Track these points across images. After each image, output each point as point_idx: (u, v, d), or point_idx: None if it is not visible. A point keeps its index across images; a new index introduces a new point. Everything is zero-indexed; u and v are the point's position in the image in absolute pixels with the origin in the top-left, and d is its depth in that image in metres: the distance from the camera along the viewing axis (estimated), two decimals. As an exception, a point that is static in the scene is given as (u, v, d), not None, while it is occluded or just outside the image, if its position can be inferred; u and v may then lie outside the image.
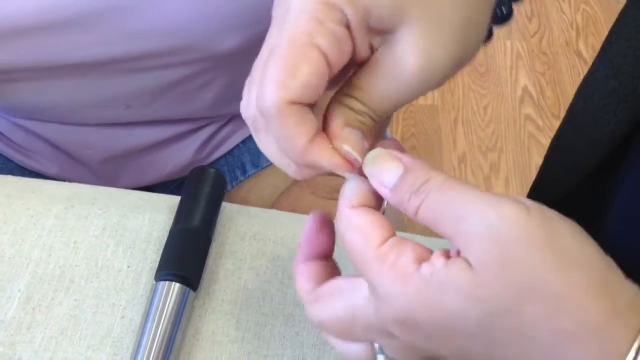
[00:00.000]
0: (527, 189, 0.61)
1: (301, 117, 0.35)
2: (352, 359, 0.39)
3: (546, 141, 1.76)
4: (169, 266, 0.55)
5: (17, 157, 0.82)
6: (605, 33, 0.51)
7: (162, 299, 0.53)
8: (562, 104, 1.83)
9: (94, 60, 0.65)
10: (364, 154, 0.36)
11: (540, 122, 1.80)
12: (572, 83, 1.87)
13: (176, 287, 0.54)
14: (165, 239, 0.57)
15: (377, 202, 0.37)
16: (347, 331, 0.37)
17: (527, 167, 1.72)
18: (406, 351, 0.36)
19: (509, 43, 1.95)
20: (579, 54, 1.94)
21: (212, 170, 0.60)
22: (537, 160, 1.73)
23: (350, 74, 0.38)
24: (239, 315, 0.55)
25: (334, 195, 0.77)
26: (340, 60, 0.35)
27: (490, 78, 1.89)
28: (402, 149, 0.37)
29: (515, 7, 0.43)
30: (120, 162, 0.82)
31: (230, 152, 0.84)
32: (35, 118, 0.78)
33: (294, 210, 0.70)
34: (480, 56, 1.90)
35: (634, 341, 0.31)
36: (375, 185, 0.36)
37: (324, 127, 0.37)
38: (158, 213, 0.60)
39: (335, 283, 0.38)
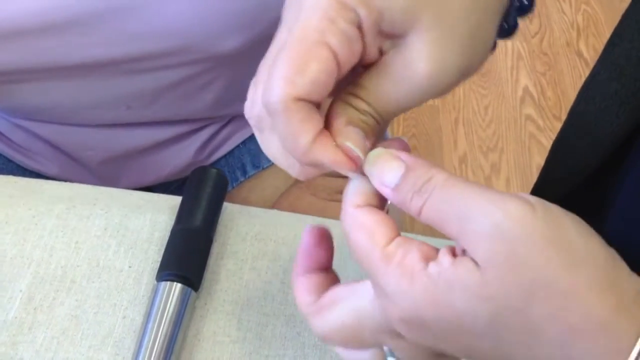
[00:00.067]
0: (527, 189, 0.61)
1: (306, 114, 0.35)
2: None
3: (547, 141, 1.76)
4: (170, 266, 0.55)
5: (18, 158, 0.82)
6: (606, 33, 0.51)
7: (163, 299, 0.53)
8: (562, 104, 1.83)
9: (95, 61, 0.65)
10: (366, 152, 0.36)
11: (540, 122, 1.80)
12: (573, 83, 1.87)
13: (177, 287, 0.54)
14: (167, 239, 0.57)
15: (380, 202, 0.37)
16: (355, 337, 0.37)
17: (527, 167, 1.72)
18: (414, 351, 0.36)
19: (509, 43, 1.95)
20: (579, 54, 1.94)
21: (214, 170, 0.60)
22: (538, 160, 1.73)
23: (356, 75, 0.37)
24: (240, 315, 0.55)
25: (333, 196, 0.77)
26: (349, 59, 0.35)
27: (490, 78, 1.89)
28: (407, 149, 0.37)
29: (520, 21, 0.43)
30: (120, 163, 0.82)
31: (231, 152, 0.84)
32: (36, 118, 0.78)
33: (293, 211, 0.70)
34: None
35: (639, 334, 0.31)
36: (377, 184, 0.36)
37: (326, 125, 0.37)
38: (159, 213, 0.60)
39: (336, 291, 0.38)
